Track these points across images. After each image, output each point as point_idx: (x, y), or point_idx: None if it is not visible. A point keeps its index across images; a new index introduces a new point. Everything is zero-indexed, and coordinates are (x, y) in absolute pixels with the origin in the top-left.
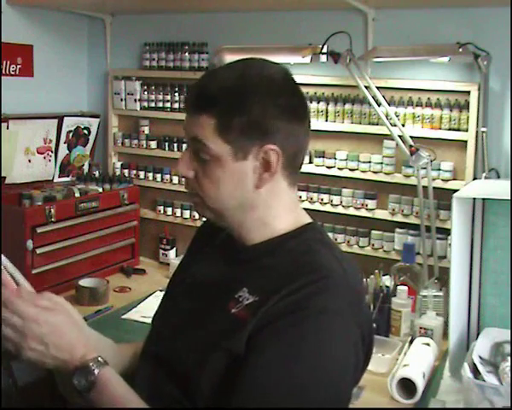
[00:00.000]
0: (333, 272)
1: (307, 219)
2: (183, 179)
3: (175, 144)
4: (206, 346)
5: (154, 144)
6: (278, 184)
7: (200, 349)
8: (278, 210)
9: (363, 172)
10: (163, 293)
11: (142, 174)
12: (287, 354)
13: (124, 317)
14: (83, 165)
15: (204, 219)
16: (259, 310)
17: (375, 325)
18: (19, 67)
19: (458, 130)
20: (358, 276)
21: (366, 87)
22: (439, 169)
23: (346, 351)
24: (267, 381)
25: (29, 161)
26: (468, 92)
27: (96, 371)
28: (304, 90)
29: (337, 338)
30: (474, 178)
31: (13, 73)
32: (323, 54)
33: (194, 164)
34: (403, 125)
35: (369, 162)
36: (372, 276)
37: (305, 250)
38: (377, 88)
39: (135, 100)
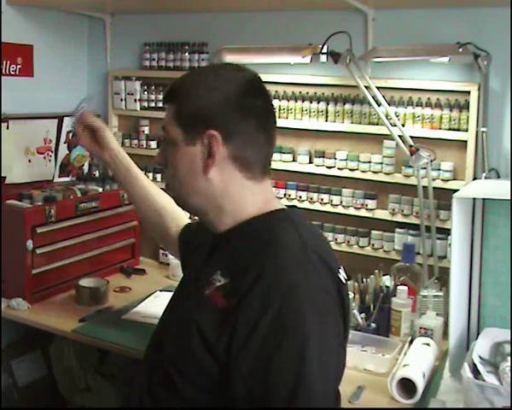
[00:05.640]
0: (290, 245)
1: (279, 207)
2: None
3: None
4: (181, 323)
5: (154, 144)
6: (230, 174)
7: (177, 327)
8: (240, 200)
9: (363, 172)
10: (163, 293)
11: None
12: (269, 348)
13: (124, 317)
14: (83, 165)
15: None
16: (232, 295)
17: (374, 324)
18: (19, 67)
19: (458, 130)
20: (324, 250)
21: (366, 87)
22: (439, 169)
23: (323, 321)
24: (257, 380)
25: (29, 161)
26: (468, 92)
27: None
28: (304, 90)
29: (311, 313)
30: (474, 178)
31: (13, 73)
32: (323, 54)
33: (165, 152)
34: (403, 125)
35: (369, 162)
36: (372, 276)
37: (268, 229)
38: (377, 88)
39: (135, 100)
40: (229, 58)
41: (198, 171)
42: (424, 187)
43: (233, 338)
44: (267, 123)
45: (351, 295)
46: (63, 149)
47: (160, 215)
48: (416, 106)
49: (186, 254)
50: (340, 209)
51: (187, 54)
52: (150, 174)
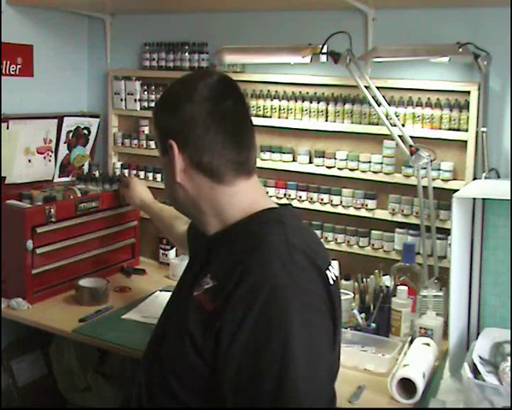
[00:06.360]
0: (276, 247)
1: (269, 206)
2: None
3: None
4: (176, 327)
5: (154, 144)
6: (197, 180)
7: (172, 331)
8: (219, 204)
9: (363, 172)
10: (163, 293)
11: (142, 174)
12: (254, 347)
13: (124, 317)
14: (83, 165)
15: None
16: (217, 297)
17: (374, 324)
18: (19, 67)
19: (458, 130)
20: (312, 250)
21: (366, 87)
22: (439, 169)
23: (310, 319)
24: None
25: (29, 161)
26: (468, 92)
27: None
28: (304, 90)
29: (296, 311)
30: (474, 178)
31: (13, 73)
32: (323, 54)
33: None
34: (403, 125)
35: (369, 162)
36: (372, 276)
37: (254, 232)
38: (377, 88)
39: (135, 100)
40: (230, 58)
41: (173, 179)
42: (424, 187)
43: (219, 340)
44: (235, 125)
45: (351, 295)
46: (63, 149)
47: (172, 225)
48: (416, 106)
49: (193, 246)
50: (340, 209)
51: (187, 54)
52: (150, 174)
